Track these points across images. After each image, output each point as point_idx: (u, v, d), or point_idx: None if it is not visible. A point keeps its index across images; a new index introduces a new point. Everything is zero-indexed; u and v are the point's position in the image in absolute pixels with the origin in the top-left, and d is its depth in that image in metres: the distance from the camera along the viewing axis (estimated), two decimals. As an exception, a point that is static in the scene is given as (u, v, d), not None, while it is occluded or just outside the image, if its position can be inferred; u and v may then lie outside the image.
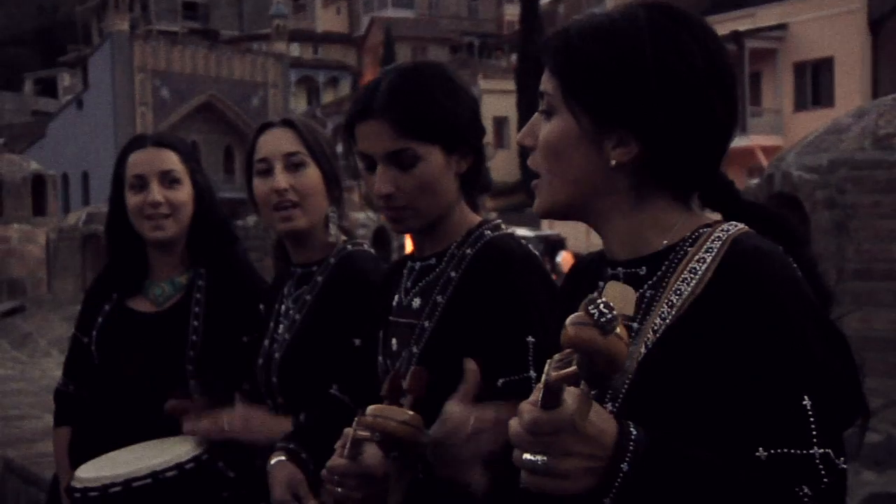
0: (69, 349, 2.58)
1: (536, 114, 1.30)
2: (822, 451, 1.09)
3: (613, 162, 1.23)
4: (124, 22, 43.58)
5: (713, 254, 1.19)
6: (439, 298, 1.68)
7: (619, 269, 1.28)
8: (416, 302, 1.72)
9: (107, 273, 2.54)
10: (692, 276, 1.19)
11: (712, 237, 1.22)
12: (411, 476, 1.53)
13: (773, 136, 28.67)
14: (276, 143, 2.15)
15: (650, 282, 1.25)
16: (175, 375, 2.35)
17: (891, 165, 2.96)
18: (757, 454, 1.10)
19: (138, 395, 2.36)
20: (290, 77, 49.26)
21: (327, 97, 52.74)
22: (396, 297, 1.77)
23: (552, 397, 1.02)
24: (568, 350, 1.00)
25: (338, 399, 2.01)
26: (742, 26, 30.16)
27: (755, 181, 4.20)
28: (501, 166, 39.36)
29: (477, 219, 1.76)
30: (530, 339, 1.57)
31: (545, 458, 1.04)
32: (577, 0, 43.47)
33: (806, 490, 1.08)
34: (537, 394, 1.03)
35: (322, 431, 1.86)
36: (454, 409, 1.43)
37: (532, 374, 1.56)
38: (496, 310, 1.60)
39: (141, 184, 2.37)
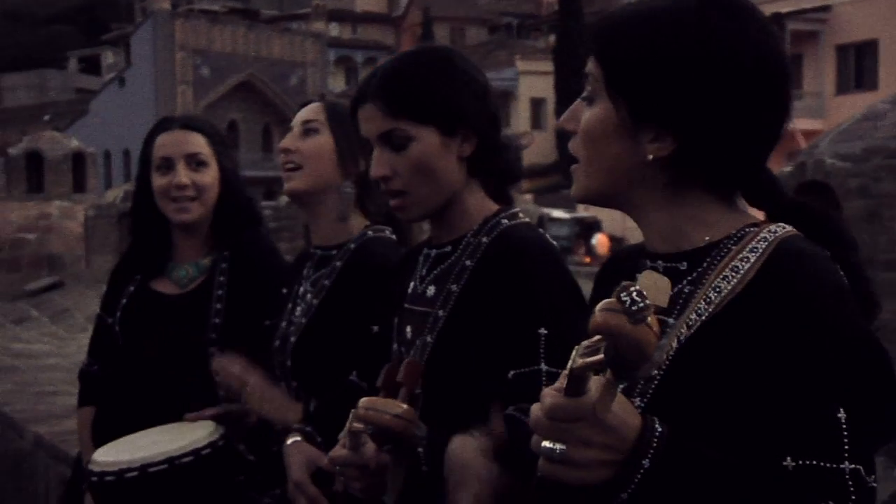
0: (94, 329, 2.60)
1: (579, 99, 1.27)
2: (852, 466, 1.05)
3: (650, 157, 1.20)
4: (166, 1, 43.79)
5: (758, 254, 1.15)
6: (454, 287, 1.65)
7: (659, 262, 1.24)
8: (431, 290, 1.69)
9: (131, 254, 2.55)
10: (734, 274, 1.15)
11: (758, 237, 1.17)
12: (408, 467, 1.52)
13: (814, 119, 28.26)
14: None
15: (690, 277, 1.21)
16: (197, 357, 2.33)
17: (928, 154, 2.87)
18: (784, 463, 1.06)
19: (160, 376, 2.36)
20: (328, 56, 49.31)
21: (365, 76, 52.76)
22: (412, 284, 1.75)
23: (576, 385, 0.99)
24: (596, 337, 0.97)
25: (356, 385, 1.99)
26: (784, 8, 29.76)
27: (788, 168, 4.11)
28: (538, 148, 39.15)
29: (494, 207, 1.72)
30: (542, 330, 1.54)
31: (563, 446, 1.02)
32: (616, -20, 43.04)
33: None
34: (562, 380, 1.01)
35: (338, 417, 1.81)
36: (465, 448, 1.43)
37: (543, 367, 1.53)
38: (509, 300, 1.57)
39: (167, 165, 2.37)
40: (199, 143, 2.40)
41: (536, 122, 41.98)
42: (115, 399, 2.46)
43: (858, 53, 29.72)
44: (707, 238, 1.21)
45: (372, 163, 1.67)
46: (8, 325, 10.15)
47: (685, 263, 1.21)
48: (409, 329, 1.72)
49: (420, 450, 1.50)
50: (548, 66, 39.56)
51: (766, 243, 1.16)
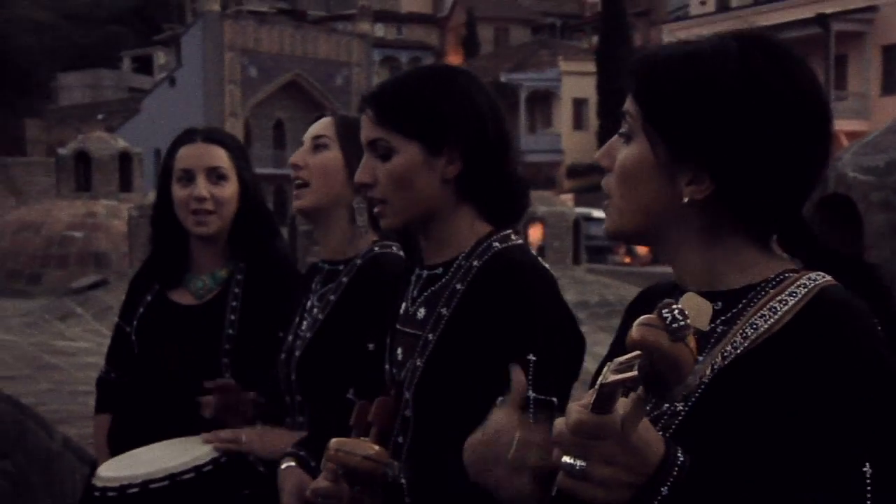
0: (112, 337, 2.63)
1: (616, 136, 1.26)
2: None
3: (686, 199, 1.18)
4: (216, 2, 44.20)
5: (797, 298, 1.13)
6: (444, 311, 1.63)
7: None
8: (422, 312, 1.67)
9: (150, 264, 2.56)
10: (771, 314, 1.13)
11: (798, 282, 1.15)
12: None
13: (858, 120, 27.80)
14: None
15: (724, 317, 1.18)
16: (211, 367, 2.36)
17: (952, 168, 2.79)
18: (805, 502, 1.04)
19: (175, 386, 2.37)
20: (373, 56, 49.45)
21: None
22: (403, 305, 1.73)
23: (605, 401, 0.97)
24: (632, 354, 0.96)
25: (353, 404, 1.98)
26: (829, 8, 29.44)
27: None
28: (579, 147, 39.00)
29: (487, 229, 1.68)
30: (531, 357, 1.51)
31: (584, 462, 1.00)
32: (660, -19, 42.71)
33: None
34: (590, 396, 0.99)
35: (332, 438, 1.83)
36: (499, 414, 1.36)
37: (531, 394, 1.49)
38: (499, 325, 1.55)
39: (188, 177, 2.39)
40: (220, 157, 2.41)
41: (578, 122, 41.78)
42: (131, 407, 2.47)
43: (905, 54, 29.25)
44: (743, 281, 1.19)
45: (359, 167, 1.69)
46: (53, 321, 10.29)
47: (720, 303, 1.18)
48: (399, 351, 1.70)
49: (401, 482, 1.48)
50: (590, 66, 39.44)
51: (807, 289, 1.14)
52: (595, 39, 44.48)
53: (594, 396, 0.98)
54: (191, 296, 2.46)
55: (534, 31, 55.31)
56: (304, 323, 2.16)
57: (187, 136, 2.46)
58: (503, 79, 41.62)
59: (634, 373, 0.95)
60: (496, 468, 1.32)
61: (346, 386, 2.00)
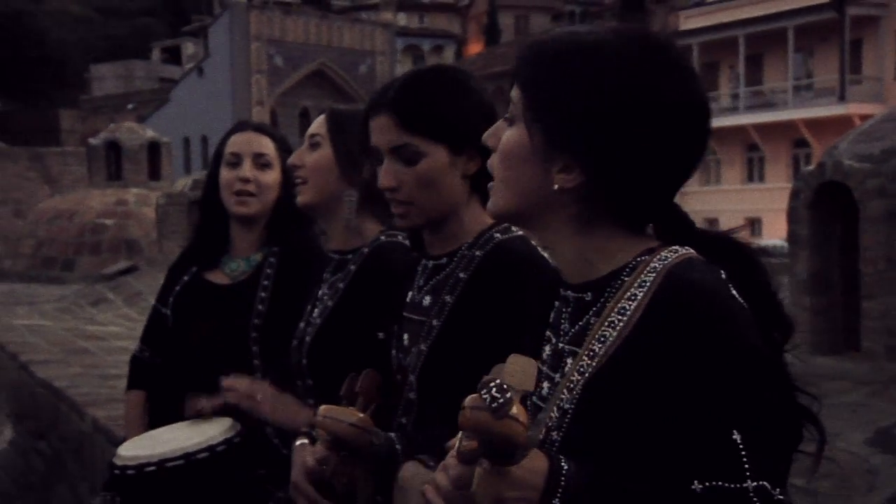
0: (148, 318, 2.74)
1: (502, 119, 1.26)
2: (755, 484, 1.06)
3: (556, 186, 1.18)
4: (242, -7, 44.30)
5: (646, 287, 1.14)
6: (448, 298, 1.68)
7: (569, 292, 1.25)
8: (427, 300, 1.72)
9: (190, 248, 2.66)
10: (629, 303, 1.15)
11: (648, 267, 1.16)
12: (370, 479, 1.56)
13: (873, 104, 27.48)
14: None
15: (594, 308, 1.19)
16: (240, 343, 2.45)
17: (945, 156, 2.80)
18: (693, 487, 1.07)
19: (206, 360, 2.45)
20: (396, 45, 49.37)
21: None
22: (410, 293, 1.78)
23: (467, 459, 1.03)
24: (466, 432, 1.02)
25: None
26: (844, -7, 29.04)
27: (809, 168, 4.02)
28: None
29: (489, 220, 1.72)
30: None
31: None
32: (677, -33, 42.26)
33: None
34: (455, 454, 1.05)
35: None
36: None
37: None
38: (501, 311, 1.59)
39: (236, 161, 2.51)
40: (267, 146, 2.53)
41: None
42: (162, 384, 2.57)
43: (920, 38, 28.85)
44: (610, 268, 1.20)
45: (380, 173, 1.70)
46: (86, 306, 10.43)
47: (590, 294, 1.21)
48: (406, 337, 1.75)
49: (396, 447, 1.53)
50: (609, 52, 39.16)
51: (656, 273, 1.15)
52: (614, 26, 44.16)
53: (457, 454, 1.04)
54: (225, 276, 2.55)
55: (554, 18, 54.96)
56: (316, 310, 2.22)
57: (239, 126, 2.61)
58: (523, 66, 41.64)
59: (474, 444, 1.00)
60: None
61: (355, 370, 2.06)
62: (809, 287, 4.46)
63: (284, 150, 2.55)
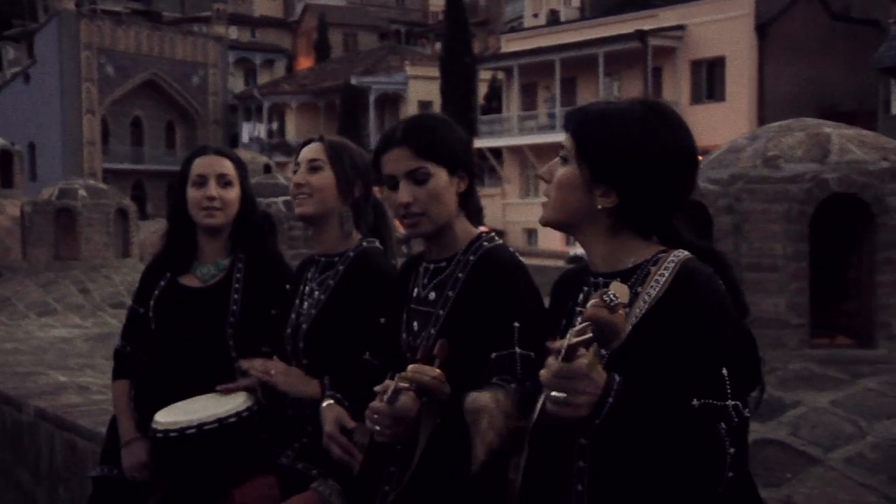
0: (126, 318, 2.94)
1: (557, 158, 1.71)
2: (733, 403, 1.52)
3: (599, 206, 1.65)
4: (70, 1, 42.38)
5: (669, 271, 1.61)
6: (450, 293, 2.08)
7: (601, 278, 1.69)
8: (432, 295, 2.11)
9: (163, 255, 2.89)
10: (657, 283, 1.60)
11: (668, 259, 1.63)
12: (437, 418, 1.89)
13: (672, 125, 29.09)
14: (307, 154, 2.59)
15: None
16: (217, 339, 2.71)
17: (776, 181, 3.29)
18: (693, 403, 1.53)
19: (187, 356, 2.71)
20: (228, 58, 48.40)
21: (263, 78, 51.97)
22: (415, 290, 2.16)
23: (571, 355, 1.42)
24: (585, 324, 1.41)
25: (370, 363, 2.37)
26: (646, 25, 30.54)
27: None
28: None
29: (476, 231, 2.18)
30: (516, 324, 1.98)
31: (564, 394, 1.45)
32: (497, -6, 43.39)
33: (723, 426, 1.51)
34: (560, 353, 1.43)
35: (359, 387, 2.24)
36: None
37: (517, 350, 1.96)
38: (492, 303, 2.00)
39: (201, 181, 2.74)
40: (227, 167, 2.78)
41: (425, 123, 41.83)
42: (147, 374, 2.78)
43: (710, 68, 30.47)
44: (632, 261, 1.66)
45: (399, 193, 2.07)
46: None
47: (619, 280, 1.59)
48: (415, 324, 2.13)
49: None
50: (434, 71, 39.57)
51: (674, 264, 1.61)
52: (437, 46, 44.79)
53: (563, 353, 1.41)
54: (197, 280, 2.78)
55: (381, 37, 55.35)
56: (306, 304, 2.58)
57: (201, 151, 2.84)
58: (354, 81, 41.46)
59: (590, 335, 1.38)
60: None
61: (354, 350, 2.42)
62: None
63: (241, 168, 2.82)
